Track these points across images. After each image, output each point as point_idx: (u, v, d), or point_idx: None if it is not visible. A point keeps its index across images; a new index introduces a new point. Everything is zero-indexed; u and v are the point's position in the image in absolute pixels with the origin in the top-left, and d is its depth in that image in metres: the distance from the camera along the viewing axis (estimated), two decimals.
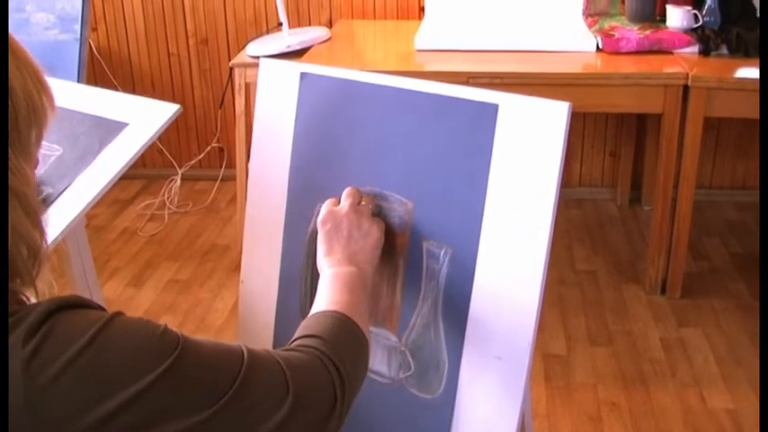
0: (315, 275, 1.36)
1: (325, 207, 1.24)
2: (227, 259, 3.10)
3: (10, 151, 0.84)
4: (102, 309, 0.87)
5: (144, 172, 3.73)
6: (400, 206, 1.27)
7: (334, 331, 1.03)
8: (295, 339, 1.03)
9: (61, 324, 0.81)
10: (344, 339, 1.04)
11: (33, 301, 0.87)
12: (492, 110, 1.17)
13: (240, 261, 1.51)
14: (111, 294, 2.87)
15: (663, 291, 2.80)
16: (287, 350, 0.99)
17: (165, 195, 3.63)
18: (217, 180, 3.72)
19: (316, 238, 1.25)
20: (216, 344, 0.91)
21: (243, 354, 0.91)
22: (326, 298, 1.12)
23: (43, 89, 0.89)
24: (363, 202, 1.26)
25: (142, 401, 0.81)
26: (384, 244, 1.26)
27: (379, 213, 1.28)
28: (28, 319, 0.80)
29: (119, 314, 0.85)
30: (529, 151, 1.14)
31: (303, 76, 1.38)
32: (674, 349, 2.51)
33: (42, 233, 0.89)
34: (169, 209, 3.54)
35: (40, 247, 0.88)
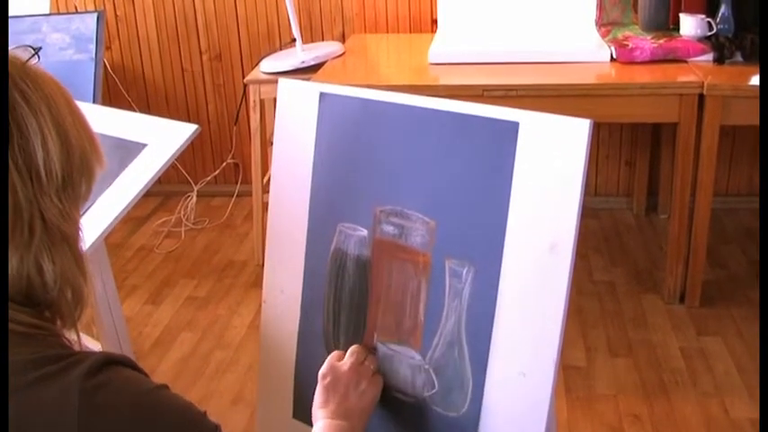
0: (337, 297, 1.37)
1: (327, 360, 1.29)
2: (244, 275, 3.08)
3: (65, 199, 0.89)
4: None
5: (160, 189, 3.74)
6: (422, 225, 1.27)
7: None
8: None
9: (120, 374, 0.86)
10: None
11: (75, 341, 0.91)
12: (513, 128, 1.17)
13: (258, 277, 1.52)
14: (130, 312, 2.88)
15: (682, 300, 2.79)
16: None
17: (182, 212, 3.64)
18: (233, 196, 3.74)
19: (338, 260, 1.26)
20: None
21: None
22: None
23: (95, 148, 0.95)
24: (366, 362, 1.30)
25: None
26: (407, 263, 1.27)
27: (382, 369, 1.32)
28: (86, 361, 0.84)
29: (167, 386, 0.91)
30: (550, 168, 1.14)
31: (322, 96, 1.38)
32: (694, 358, 2.50)
33: (87, 278, 0.93)
34: (185, 225, 3.56)
35: (83, 291, 0.93)
